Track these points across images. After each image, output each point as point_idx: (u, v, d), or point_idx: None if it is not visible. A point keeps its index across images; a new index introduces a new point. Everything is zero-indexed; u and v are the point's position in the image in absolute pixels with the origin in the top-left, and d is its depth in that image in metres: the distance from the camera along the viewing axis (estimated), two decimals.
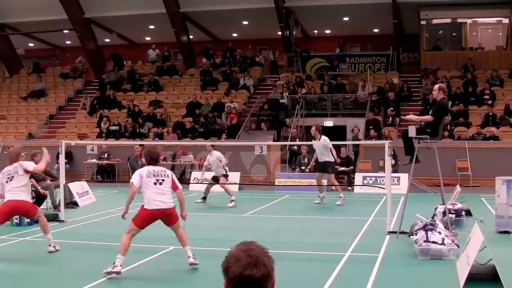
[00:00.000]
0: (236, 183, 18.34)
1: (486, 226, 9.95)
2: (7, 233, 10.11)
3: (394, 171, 15.84)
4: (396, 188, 15.53)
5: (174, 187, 7.65)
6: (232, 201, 14.49)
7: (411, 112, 15.35)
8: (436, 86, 10.16)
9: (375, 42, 29.47)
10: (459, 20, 27.79)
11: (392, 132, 21.21)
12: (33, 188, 12.26)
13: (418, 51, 27.96)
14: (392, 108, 22.82)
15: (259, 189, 18.97)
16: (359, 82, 25.09)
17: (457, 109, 22.32)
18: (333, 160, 14.99)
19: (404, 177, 16.48)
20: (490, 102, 22.75)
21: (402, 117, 21.67)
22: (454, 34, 28.67)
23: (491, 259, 6.80)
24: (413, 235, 8.81)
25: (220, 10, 26.96)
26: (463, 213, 11.26)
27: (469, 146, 19.65)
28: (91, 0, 27.41)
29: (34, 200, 12.40)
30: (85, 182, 15.98)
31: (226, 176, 15.30)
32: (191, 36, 29.80)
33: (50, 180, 13.45)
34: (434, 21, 27.77)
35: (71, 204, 14.05)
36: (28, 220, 11.17)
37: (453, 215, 10.79)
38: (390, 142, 10.65)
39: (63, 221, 11.72)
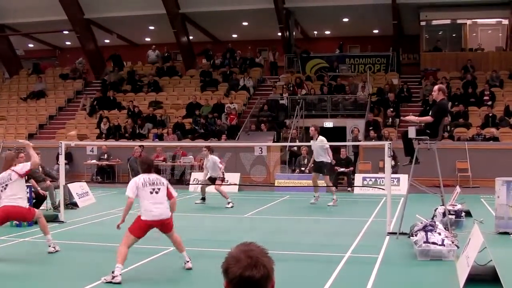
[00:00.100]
0: (236, 184, 18.35)
1: (486, 227, 9.95)
2: (7, 234, 10.11)
3: (394, 172, 15.84)
4: (396, 189, 15.52)
5: (169, 196, 7.62)
6: (229, 202, 14.51)
7: (411, 113, 15.34)
8: (436, 87, 10.16)
9: (375, 43, 29.47)
10: (459, 21, 27.81)
11: (392, 133, 21.21)
12: (33, 189, 12.33)
13: (418, 52, 27.96)
14: (392, 109, 22.82)
15: (259, 190, 18.97)
16: (359, 83, 25.09)
17: (457, 110, 22.31)
18: (329, 161, 15.03)
19: (404, 178, 16.47)
20: (490, 103, 22.75)
21: (402, 118, 21.63)
22: (454, 35, 28.69)
23: (491, 260, 6.80)
24: (413, 236, 8.81)
25: (220, 11, 26.96)
26: (463, 214, 11.25)
27: (469, 147, 19.65)
28: (91, 1, 27.41)
29: (34, 201, 12.45)
30: (85, 183, 15.99)
31: (222, 179, 15.31)
32: (191, 37, 29.79)
33: (50, 181, 13.45)
34: (434, 22, 27.79)
35: (71, 205, 14.05)
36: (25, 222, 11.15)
37: (453, 216, 10.79)
38: (390, 143, 10.66)
39: (63, 222, 11.72)
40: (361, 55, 28.61)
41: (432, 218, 10.14)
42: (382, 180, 16.72)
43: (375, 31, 30.13)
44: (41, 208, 12.42)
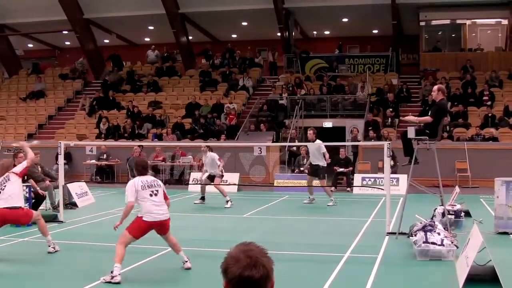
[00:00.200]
0: (235, 184, 18.35)
1: (485, 227, 9.95)
2: (7, 234, 10.11)
3: (393, 172, 15.86)
4: (395, 189, 15.53)
5: (164, 197, 7.64)
6: (227, 201, 14.51)
7: (410, 113, 15.34)
8: (435, 87, 10.15)
9: (374, 43, 29.48)
10: (458, 21, 27.82)
11: (391, 133, 21.22)
12: (32, 189, 12.32)
13: (417, 52, 27.97)
14: (391, 109, 22.83)
15: (258, 190, 18.98)
16: (358, 83, 25.10)
17: (456, 110, 22.33)
18: (325, 165, 15.09)
19: (403, 178, 16.47)
20: (489, 103, 22.76)
21: (401, 118, 21.63)
22: (453, 35, 28.69)
23: (490, 260, 6.80)
24: (412, 236, 8.81)
25: (219, 11, 26.97)
26: (462, 214, 11.25)
27: (468, 147, 19.65)
28: (90, 1, 27.40)
29: (34, 201, 12.44)
30: (84, 183, 15.98)
31: (221, 176, 15.33)
32: (190, 37, 29.79)
33: (49, 181, 13.45)
34: (434, 22, 27.80)
35: (70, 204, 14.05)
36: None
37: (452, 216, 10.79)
38: (389, 143, 10.65)
39: (62, 221, 11.72)
40: (360, 55, 28.62)
41: (432, 218, 10.14)
42: (382, 180, 16.71)
43: (375, 31, 30.14)
44: (40, 208, 12.43)
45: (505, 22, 27.24)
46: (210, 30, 30.85)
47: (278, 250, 8.17)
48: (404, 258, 8.49)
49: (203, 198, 15.30)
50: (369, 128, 21.35)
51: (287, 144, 20.55)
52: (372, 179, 18.45)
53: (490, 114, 21.86)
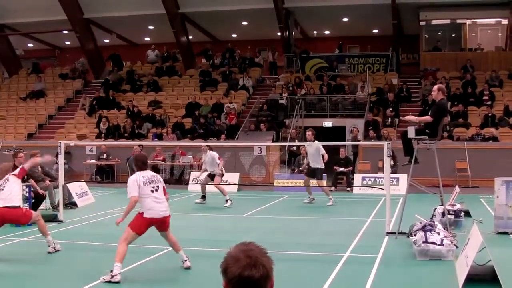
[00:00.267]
0: (235, 184, 18.36)
1: (485, 227, 9.94)
2: (6, 233, 10.11)
3: (393, 172, 15.86)
4: (395, 189, 15.54)
5: (163, 192, 7.66)
6: (227, 200, 14.51)
7: (410, 113, 15.35)
8: (435, 87, 10.16)
9: (375, 43, 29.47)
10: (459, 21, 27.81)
11: (391, 133, 21.22)
12: (32, 189, 12.32)
13: (418, 52, 27.97)
14: (391, 109, 22.83)
15: (258, 189, 18.98)
16: (358, 83, 25.10)
17: (456, 110, 22.32)
18: (323, 167, 15.17)
19: (403, 178, 16.48)
20: (489, 103, 22.76)
21: (401, 118, 21.64)
22: (453, 35, 28.69)
23: (490, 260, 6.80)
24: (412, 236, 8.82)
25: (219, 11, 26.96)
26: (462, 214, 11.25)
27: (468, 147, 19.65)
28: (90, 1, 27.39)
29: (34, 200, 12.45)
30: (84, 182, 15.98)
31: (221, 175, 15.33)
32: (190, 37, 29.79)
33: (49, 181, 13.45)
34: (434, 22, 27.80)
35: (70, 204, 14.05)
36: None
37: (452, 216, 10.79)
38: (389, 143, 10.65)
39: (62, 221, 11.72)
40: (360, 55, 28.61)
41: (431, 218, 10.14)
42: (382, 180, 16.72)
43: (375, 31, 30.13)
44: (40, 207, 12.43)
45: (505, 22, 27.23)
46: (210, 30, 30.85)
47: (278, 250, 8.17)
48: (404, 258, 8.49)
49: (203, 197, 15.30)
50: (369, 128, 21.35)
51: (287, 144, 20.56)
52: (372, 179, 18.46)
53: (490, 114, 21.86)
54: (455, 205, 11.37)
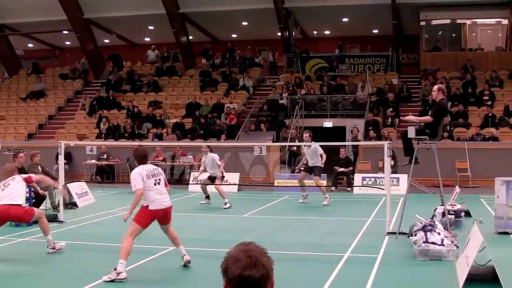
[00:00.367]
0: (235, 184, 18.36)
1: (485, 227, 9.95)
2: (6, 234, 10.11)
3: (394, 172, 15.85)
4: (395, 189, 15.53)
5: (165, 185, 7.74)
6: (226, 203, 14.49)
7: (410, 113, 15.34)
8: (436, 87, 10.15)
9: (375, 43, 29.47)
10: (459, 21, 27.81)
11: (392, 133, 21.22)
12: (32, 189, 12.32)
13: (418, 52, 27.97)
14: (391, 109, 22.83)
15: (258, 189, 18.97)
16: (358, 83, 25.10)
17: (457, 110, 22.32)
18: (322, 165, 15.20)
19: (404, 178, 16.47)
20: (489, 103, 22.75)
21: (401, 118, 21.65)
22: (453, 35, 28.68)
23: (490, 260, 6.80)
24: (412, 236, 8.81)
25: (219, 11, 26.97)
26: (462, 214, 11.26)
27: (468, 147, 19.65)
28: (90, 1, 27.40)
29: (34, 200, 12.44)
30: (84, 182, 15.97)
31: (222, 178, 15.32)
32: (190, 37, 29.79)
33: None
34: (434, 22, 27.79)
35: (70, 204, 14.04)
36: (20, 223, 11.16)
37: (453, 216, 10.79)
38: (389, 143, 10.65)
39: (62, 221, 11.72)
40: (360, 55, 28.61)
41: (432, 218, 10.14)
42: (382, 180, 16.72)
43: (375, 31, 30.13)
44: (40, 208, 12.42)
45: (505, 22, 27.23)
46: (210, 30, 30.85)
47: (278, 250, 8.17)
48: (404, 258, 8.49)
49: (208, 197, 15.31)
50: (370, 128, 21.35)
51: (287, 144, 20.55)
52: (373, 179, 18.45)
53: (490, 114, 21.85)
54: (455, 205, 11.38)
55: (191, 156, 21.14)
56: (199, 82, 27.73)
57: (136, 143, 21.23)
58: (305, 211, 14.37)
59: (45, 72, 31.24)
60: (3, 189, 8.60)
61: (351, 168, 19.22)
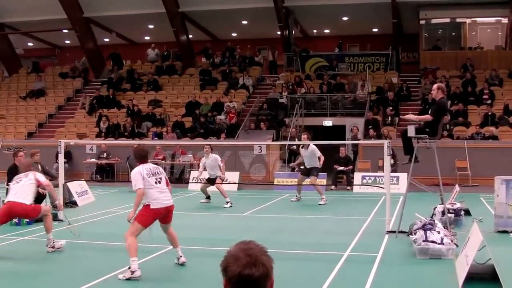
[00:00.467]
0: (235, 183, 18.37)
1: (485, 225, 9.96)
2: (6, 233, 10.11)
3: (393, 170, 15.87)
4: (395, 188, 15.55)
5: (166, 184, 7.72)
6: (227, 202, 14.50)
7: (410, 112, 15.37)
8: (435, 86, 10.16)
9: (374, 41, 29.48)
10: (458, 20, 27.80)
11: (391, 132, 21.22)
12: None
13: (417, 51, 27.98)
14: (391, 108, 22.84)
15: (258, 188, 18.98)
16: (358, 82, 25.10)
17: (456, 109, 22.33)
18: (319, 167, 15.24)
19: (403, 177, 16.48)
20: (489, 101, 22.76)
21: (401, 116, 21.68)
22: (453, 33, 28.68)
23: (490, 259, 6.80)
24: (412, 235, 8.82)
25: (219, 10, 26.97)
26: (462, 212, 11.27)
27: (468, 145, 19.66)
28: (90, 0, 27.39)
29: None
30: (84, 181, 15.96)
31: (223, 178, 15.31)
32: (190, 36, 29.79)
33: (49, 180, 13.43)
34: (434, 21, 27.78)
35: (70, 203, 14.05)
36: (26, 220, 11.17)
37: (452, 215, 10.80)
38: (389, 142, 10.66)
39: (62, 220, 11.70)
40: (360, 54, 28.62)
41: (431, 217, 10.16)
42: (382, 179, 16.73)
43: (375, 30, 30.14)
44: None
45: (505, 20, 27.23)
46: (210, 28, 30.85)
47: (278, 249, 8.17)
48: (404, 256, 8.49)
49: (208, 197, 15.33)
50: (369, 127, 21.36)
51: (287, 142, 20.56)
52: (372, 178, 18.46)
53: (490, 113, 21.86)
54: (455, 203, 11.38)
55: (191, 155, 21.14)
56: (199, 81, 27.73)
57: (136, 141, 21.26)
58: (304, 210, 14.39)
59: (45, 71, 31.23)
60: (14, 184, 8.76)
61: (351, 167, 19.23)
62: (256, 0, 26.28)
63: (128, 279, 7.04)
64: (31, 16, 28.10)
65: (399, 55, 27.98)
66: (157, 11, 26.86)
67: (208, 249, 8.97)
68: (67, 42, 33.44)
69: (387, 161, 10.66)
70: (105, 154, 22.01)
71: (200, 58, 30.51)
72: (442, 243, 8.22)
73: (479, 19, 28.14)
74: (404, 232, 9.67)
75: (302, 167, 15.96)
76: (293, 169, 19.52)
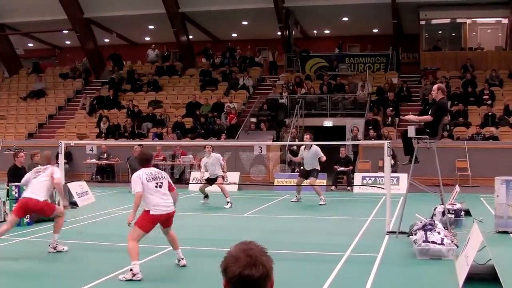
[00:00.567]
0: (235, 183, 18.37)
1: (485, 226, 9.96)
2: (7, 233, 10.09)
3: (394, 171, 15.86)
4: (395, 188, 15.53)
5: (170, 188, 7.68)
6: (228, 202, 14.50)
7: (410, 112, 15.35)
8: (435, 86, 10.16)
9: (375, 42, 29.48)
10: (459, 20, 27.79)
11: (392, 132, 21.22)
12: None
13: (418, 51, 27.97)
14: (391, 108, 22.83)
15: (258, 189, 18.98)
16: (358, 82, 25.09)
17: (457, 109, 22.32)
18: (319, 169, 15.28)
19: (404, 177, 16.49)
20: (489, 102, 22.75)
21: (401, 117, 21.68)
22: (453, 34, 28.68)
23: (490, 259, 6.80)
24: (412, 235, 8.82)
25: (219, 10, 26.96)
26: (462, 213, 11.26)
27: (468, 146, 19.66)
28: (90, 0, 27.40)
29: None
30: (85, 182, 15.92)
31: (223, 177, 15.30)
32: (190, 36, 29.80)
33: None
34: (434, 21, 27.79)
35: (71, 204, 14.03)
36: (27, 220, 11.18)
37: (452, 215, 10.80)
38: (389, 142, 10.66)
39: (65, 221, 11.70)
40: (360, 54, 28.62)
41: (432, 217, 10.15)
42: (382, 179, 16.72)
43: (375, 30, 30.14)
44: None
45: (505, 21, 27.23)
46: (210, 29, 30.85)
47: (278, 249, 8.17)
48: (404, 257, 8.49)
49: (206, 196, 15.34)
50: (370, 127, 21.35)
51: (288, 143, 20.55)
52: (373, 178, 18.45)
53: (490, 113, 21.85)
54: (455, 204, 11.38)
55: (191, 156, 21.14)
56: (199, 82, 27.73)
57: (136, 142, 21.24)
58: (305, 210, 14.39)
59: (45, 72, 31.24)
60: (34, 177, 8.86)
61: (351, 167, 19.22)
62: (256, 0, 26.28)
63: (129, 280, 7.04)
64: (32, 17, 28.12)
65: (399, 55, 27.99)
66: (157, 11, 26.87)
67: (208, 249, 8.97)
68: (68, 42, 33.45)
69: (387, 161, 10.66)
70: (105, 154, 22.02)
71: (200, 59, 30.51)
72: (442, 243, 8.22)
73: (479, 20, 28.13)
74: (404, 233, 9.67)
75: (301, 167, 15.94)
76: (293, 170, 19.56)
